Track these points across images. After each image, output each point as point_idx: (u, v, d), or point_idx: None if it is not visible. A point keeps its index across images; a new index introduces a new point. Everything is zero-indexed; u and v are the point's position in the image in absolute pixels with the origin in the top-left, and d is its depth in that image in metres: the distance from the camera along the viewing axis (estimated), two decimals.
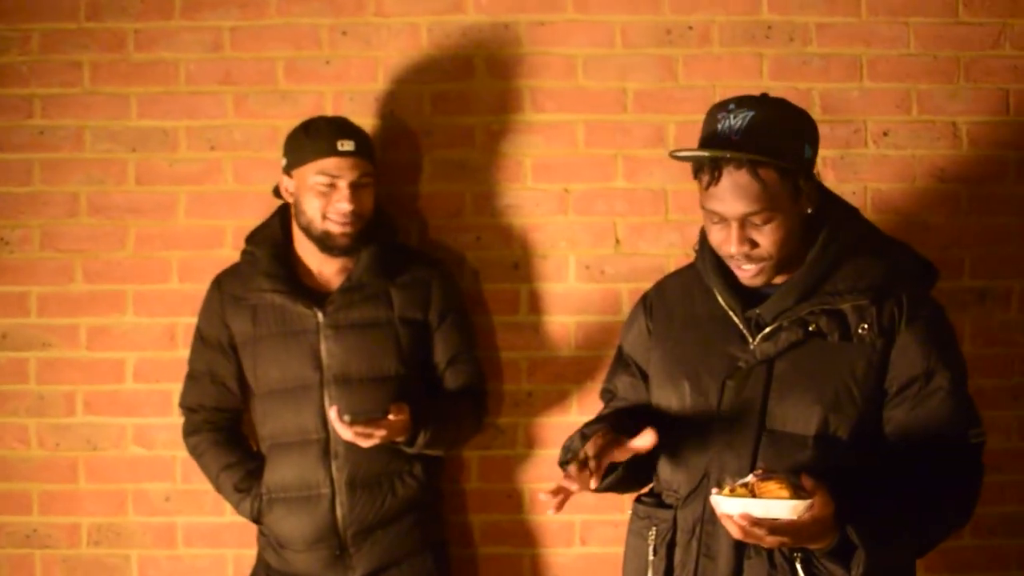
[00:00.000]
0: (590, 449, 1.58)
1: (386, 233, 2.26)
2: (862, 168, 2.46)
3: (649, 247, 2.46)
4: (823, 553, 1.55)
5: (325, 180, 2.14)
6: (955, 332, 1.73)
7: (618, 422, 1.75)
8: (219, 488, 2.28)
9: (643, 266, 2.45)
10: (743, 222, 1.61)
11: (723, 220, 1.63)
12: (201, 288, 2.34)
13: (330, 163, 2.14)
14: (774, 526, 1.45)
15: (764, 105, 1.62)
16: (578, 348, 2.48)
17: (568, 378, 2.48)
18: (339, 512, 2.16)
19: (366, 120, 2.42)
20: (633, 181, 2.46)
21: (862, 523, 1.51)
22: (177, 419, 2.38)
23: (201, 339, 2.30)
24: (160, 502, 2.48)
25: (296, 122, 2.25)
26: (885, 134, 2.46)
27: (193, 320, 2.35)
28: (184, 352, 2.37)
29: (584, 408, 2.44)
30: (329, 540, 2.17)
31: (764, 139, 1.57)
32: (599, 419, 1.85)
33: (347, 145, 2.14)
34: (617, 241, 2.48)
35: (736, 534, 1.49)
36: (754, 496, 1.46)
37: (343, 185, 2.14)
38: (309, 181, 2.15)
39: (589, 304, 2.47)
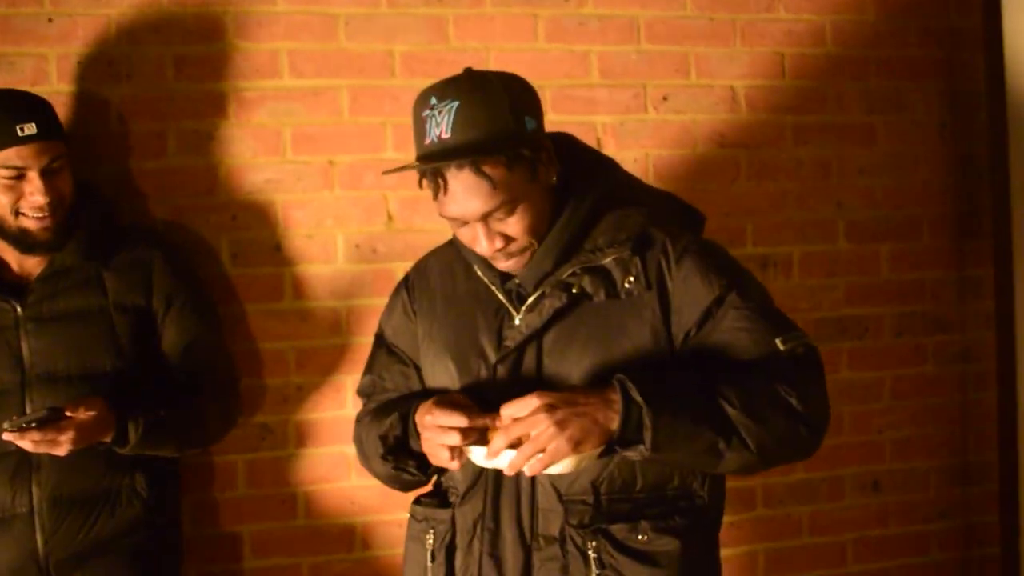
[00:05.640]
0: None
1: (96, 210, 1.99)
2: (642, 134, 2.40)
3: (424, 222, 2.31)
4: (617, 437, 1.38)
5: (11, 172, 1.85)
6: (729, 253, 1.61)
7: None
8: None
9: (419, 243, 2.26)
10: (485, 220, 1.48)
11: (466, 223, 1.49)
12: None
13: (12, 153, 1.84)
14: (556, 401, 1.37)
15: (466, 89, 1.45)
16: (351, 335, 2.31)
17: (341, 369, 2.31)
18: (39, 537, 1.87)
19: (98, 87, 2.14)
20: (404, 152, 2.29)
21: (645, 382, 1.38)
22: None
23: None
24: None
25: None
26: (665, 99, 2.40)
27: None
28: None
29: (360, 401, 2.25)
30: (28, 570, 1.87)
31: (476, 132, 1.42)
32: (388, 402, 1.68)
33: (29, 128, 1.84)
34: (389, 217, 2.31)
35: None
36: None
37: (34, 176, 1.86)
38: None
39: (361, 286, 2.31)
